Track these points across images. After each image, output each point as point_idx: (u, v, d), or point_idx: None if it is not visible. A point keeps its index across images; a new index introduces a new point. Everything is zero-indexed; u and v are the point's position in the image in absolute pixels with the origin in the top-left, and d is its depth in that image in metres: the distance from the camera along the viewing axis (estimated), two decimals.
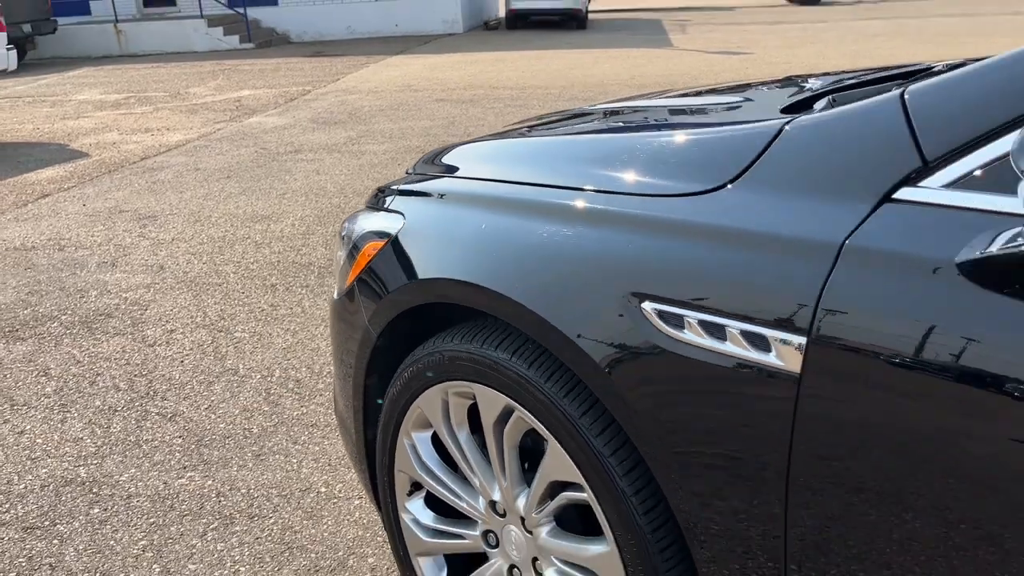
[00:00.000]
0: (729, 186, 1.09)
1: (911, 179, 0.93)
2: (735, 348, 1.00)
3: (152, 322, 3.47)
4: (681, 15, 21.27)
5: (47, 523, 2.18)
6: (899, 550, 0.91)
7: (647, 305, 1.09)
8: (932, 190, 0.91)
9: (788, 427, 0.97)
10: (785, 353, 0.96)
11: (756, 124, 1.13)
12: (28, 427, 2.67)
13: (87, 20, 18.81)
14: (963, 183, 0.89)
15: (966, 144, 0.90)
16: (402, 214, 1.57)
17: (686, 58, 11.88)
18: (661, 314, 1.08)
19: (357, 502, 2.21)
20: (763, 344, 0.98)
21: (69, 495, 2.30)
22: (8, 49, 8.14)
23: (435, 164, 1.75)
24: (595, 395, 1.19)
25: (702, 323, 1.03)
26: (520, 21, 18.86)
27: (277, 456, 2.44)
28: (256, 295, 3.72)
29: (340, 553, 2.02)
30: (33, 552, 2.07)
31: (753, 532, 1.04)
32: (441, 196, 1.54)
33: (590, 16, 21.30)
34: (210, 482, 2.33)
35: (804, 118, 1.08)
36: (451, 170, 1.65)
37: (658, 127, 1.43)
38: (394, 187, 1.71)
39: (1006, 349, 0.80)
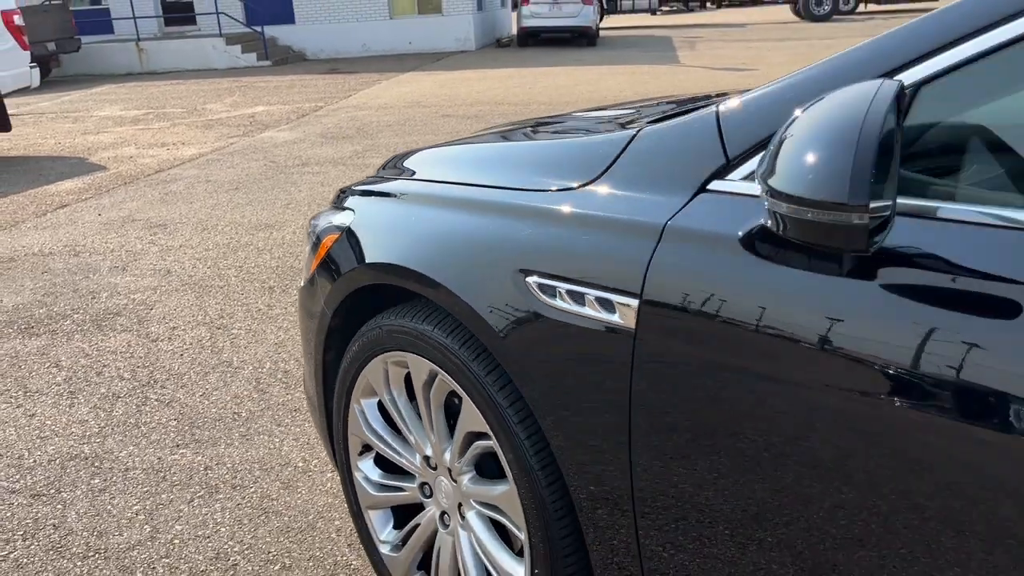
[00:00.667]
0: (594, 182, 1.33)
1: (719, 173, 1.17)
2: (591, 311, 1.24)
3: (156, 320, 3.74)
4: (692, 32, 21.53)
5: (52, 491, 2.44)
6: (721, 488, 1.14)
7: (531, 279, 1.33)
8: (733, 182, 1.15)
9: (628, 375, 1.20)
10: (624, 313, 1.20)
11: (621, 133, 1.37)
12: (39, 411, 2.94)
13: (110, 39, 19.31)
14: (753, 176, 1.13)
15: (755, 146, 1.13)
16: (353, 210, 1.82)
17: (691, 74, 12.12)
18: (540, 286, 1.32)
19: (329, 475, 2.45)
20: (609, 307, 1.22)
21: (73, 468, 2.56)
22: (31, 67, 8.49)
23: (394, 167, 2.00)
24: (495, 358, 1.43)
25: (568, 292, 1.27)
26: (531, 39, 19.19)
27: (262, 436, 2.69)
28: (254, 296, 3.98)
29: (310, 517, 2.26)
30: (39, 515, 2.32)
31: (606, 467, 1.28)
32: (387, 194, 1.79)
33: (601, 33, 21.62)
34: (200, 457, 2.58)
35: (650, 128, 1.33)
36: (403, 171, 1.90)
37: (561, 134, 1.67)
38: (353, 188, 1.97)
39: (768, 304, 1.04)
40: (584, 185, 1.34)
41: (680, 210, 1.18)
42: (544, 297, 1.31)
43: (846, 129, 0.87)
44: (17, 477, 2.52)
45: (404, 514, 1.85)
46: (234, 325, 3.64)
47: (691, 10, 34.43)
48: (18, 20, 8.26)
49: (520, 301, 1.35)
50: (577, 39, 19.02)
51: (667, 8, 35.11)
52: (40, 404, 2.99)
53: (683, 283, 1.13)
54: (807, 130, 0.93)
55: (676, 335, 1.14)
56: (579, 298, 1.26)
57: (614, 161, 1.32)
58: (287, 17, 19.63)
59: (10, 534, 2.24)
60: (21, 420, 2.87)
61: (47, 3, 18.42)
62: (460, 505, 1.65)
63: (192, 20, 20.05)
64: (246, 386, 3.04)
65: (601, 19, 22.38)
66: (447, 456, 1.63)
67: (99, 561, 2.11)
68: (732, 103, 1.21)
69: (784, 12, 27.78)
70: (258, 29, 18.62)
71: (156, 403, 2.95)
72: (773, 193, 0.94)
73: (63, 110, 12.31)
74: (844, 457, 0.98)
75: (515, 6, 21.23)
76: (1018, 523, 0.86)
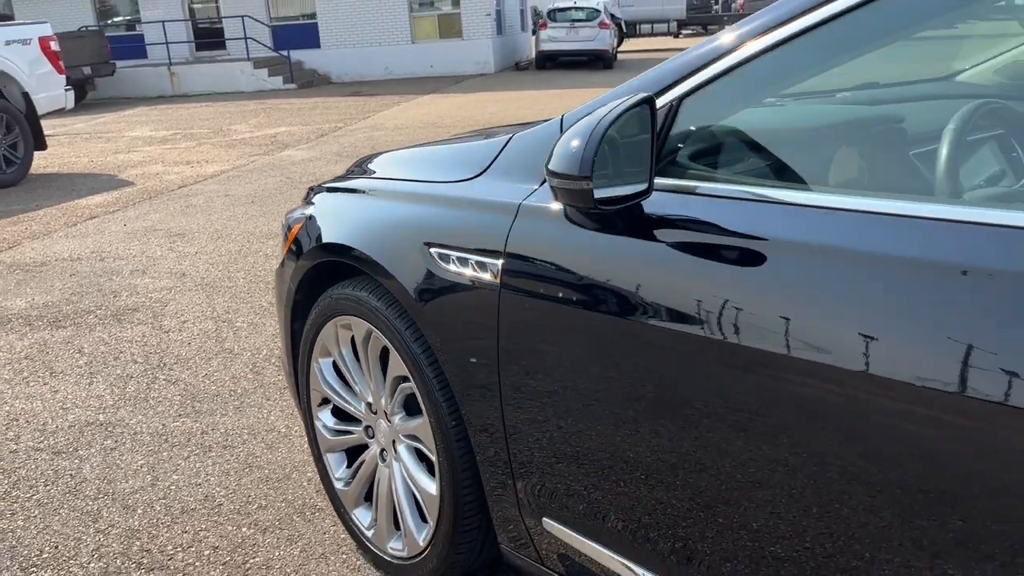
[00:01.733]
0: (480, 175, 1.71)
1: None
2: (471, 272, 1.62)
3: (170, 315, 4.17)
4: None
5: (71, 449, 2.85)
6: (563, 413, 1.50)
7: (432, 250, 1.71)
8: None
9: (496, 323, 1.58)
10: (493, 272, 1.57)
11: (502, 137, 1.76)
12: (62, 388, 3.36)
13: (144, 63, 20.04)
14: None
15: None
16: (315, 203, 2.22)
17: None
18: (439, 255, 1.70)
19: (307, 439, 2.84)
20: (484, 268, 1.59)
21: (89, 432, 2.96)
22: (67, 90, 9.05)
23: (357, 167, 2.39)
24: (411, 315, 1.81)
25: (457, 258, 1.65)
26: (549, 62, 19.68)
27: (252, 408, 3.08)
28: (258, 295, 4.40)
29: (287, 470, 2.65)
30: (59, 468, 2.73)
31: (485, 401, 1.65)
32: (343, 189, 2.18)
33: (619, 57, 22.06)
34: (197, 424, 2.98)
35: (518, 133, 1.71)
36: (363, 171, 2.29)
37: (478, 139, 2.06)
38: (320, 185, 2.36)
39: (577, 256, 1.41)
40: (473, 177, 1.73)
41: (532, 193, 1.56)
42: (441, 263, 1.69)
43: (590, 127, 1.26)
44: (41, 439, 2.93)
45: (353, 455, 2.23)
46: (238, 319, 4.05)
47: (711, 33, 34.80)
48: (54, 46, 8.83)
49: (425, 268, 1.73)
50: (594, 62, 19.48)
51: (689, 31, 35.52)
52: (63, 382, 3.41)
53: (530, 247, 1.51)
54: (575, 128, 1.31)
55: (525, 288, 1.51)
56: (464, 262, 1.64)
57: (495, 159, 1.71)
58: (313, 42, 20.29)
59: (33, 482, 2.65)
60: (47, 395, 3.29)
61: (84, 29, 19.22)
62: (394, 442, 2.03)
63: (222, 45, 20.77)
64: (243, 369, 3.44)
65: (620, 43, 22.81)
66: (383, 401, 2.01)
67: (107, 501, 2.51)
68: (574, 111, 1.59)
69: None
70: (284, 53, 19.27)
71: (164, 382, 3.36)
72: (549, 172, 1.32)
73: (97, 131, 12.92)
74: (636, 377, 1.35)
75: (534, 30, 21.76)
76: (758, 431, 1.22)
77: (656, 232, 1.33)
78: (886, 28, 1.27)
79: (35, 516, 2.45)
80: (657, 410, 1.30)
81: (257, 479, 2.60)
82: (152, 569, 2.18)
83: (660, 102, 1.37)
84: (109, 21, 22.21)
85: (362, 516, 2.18)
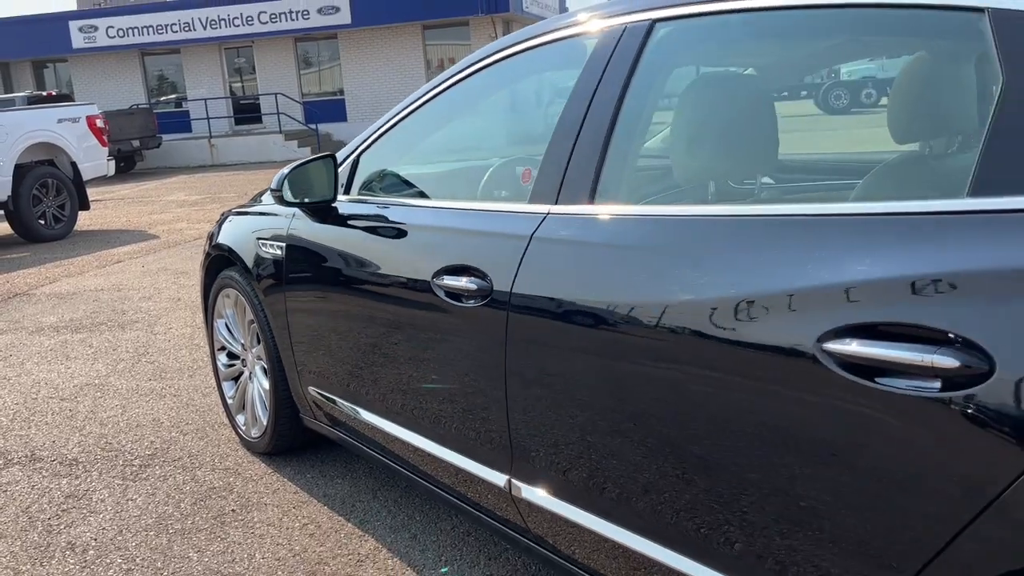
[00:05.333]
0: (337, 197, 3.00)
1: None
2: (272, 251, 2.91)
3: (161, 325, 5.52)
4: None
5: (72, 397, 4.17)
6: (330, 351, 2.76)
7: (258, 240, 3.01)
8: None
9: (282, 285, 2.86)
10: (281, 251, 2.87)
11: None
12: (73, 366, 4.70)
13: (187, 136, 22.02)
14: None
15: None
16: (221, 222, 3.54)
17: None
18: (259, 242, 2.99)
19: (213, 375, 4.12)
20: (278, 249, 2.88)
21: (87, 389, 4.29)
22: (109, 160, 10.68)
23: (256, 198, 3.71)
24: (254, 283, 3.09)
25: (267, 244, 2.95)
26: None
27: (200, 376, 4.38)
28: None
29: (209, 406, 3.93)
30: (63, 407, 4.04)
31: (280, 332, 2.92)
32: (239, 212, 3.49)
33: None
34: (160, 385, 4.29)
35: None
36: (255, 200, 3.60)
37: None
38: (231, 209, 3.68)
39: (317, 237, 2.69)
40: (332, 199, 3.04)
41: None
42: (260, 249, 2.99)
43: (291, 167, 2.56)
44: (54, 392, 4.27)
45: (235, 381, 3.51)
46: None
47: None
48: (99, 123, 10.49)
49: (255, 252, 3.02)
50: None
51: None
52: (75, 363, 4.76)
53: (299, 234, 2.79)
54: (286, 168, 2.61)
55: (296, 260, 2.80)
56: (271, 246, 2.93)
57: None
58: (340, 116, 22.12)
59: (47, 415, 3.97)
60: (62, 370, 4.64)
61: (135, 107, 21.27)
62: (255, 367, 3.31)
63: (259, 120, 22.74)
64: (202, 355, 4.76)
65: None
66: (247, 341, 3.30)
67: (92, 423, 3.81)
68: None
69: (808, 106, 29.29)
70: (313, 127, 21.09)
71: (145, 363, 4.69)
72: (270, 188, 2.62)
73: (138, 196, 14.62)
74: (340, 290, 2.62)
75: None
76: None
77: (345, 221, 2.61)
78: (458, 110, 2.56)
79: (43, 427, 3.77)
80: (365, 318, 2.56)
81: (190, 410, 3.89)
82: (110, 451, 3.47)
83: (344, 153, 2.68)
84: (160, 99, 24.40)
85: (240, 419, 3.45)
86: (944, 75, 1.64)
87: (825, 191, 2.42)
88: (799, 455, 1.33)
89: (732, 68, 2.21)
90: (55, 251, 8.98)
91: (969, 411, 1.12)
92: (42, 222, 9.74)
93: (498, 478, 2.02)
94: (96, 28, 23.48)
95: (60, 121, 10.03)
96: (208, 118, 21.22)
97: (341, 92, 22.38)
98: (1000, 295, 1.12)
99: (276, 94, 21.52)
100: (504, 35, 2.19)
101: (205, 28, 22.66)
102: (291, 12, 21.82)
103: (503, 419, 1.95)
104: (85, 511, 2.96)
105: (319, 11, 21.78)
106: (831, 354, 1.27)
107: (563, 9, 27.42)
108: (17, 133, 9.47)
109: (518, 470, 1.96)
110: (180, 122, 22.82)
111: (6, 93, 22.95)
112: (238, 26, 22.45)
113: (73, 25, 23.66)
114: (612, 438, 1.67)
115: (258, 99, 23.02)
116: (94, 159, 10.39)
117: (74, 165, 10.13)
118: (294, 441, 3.23)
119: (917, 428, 1.17)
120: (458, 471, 2.17)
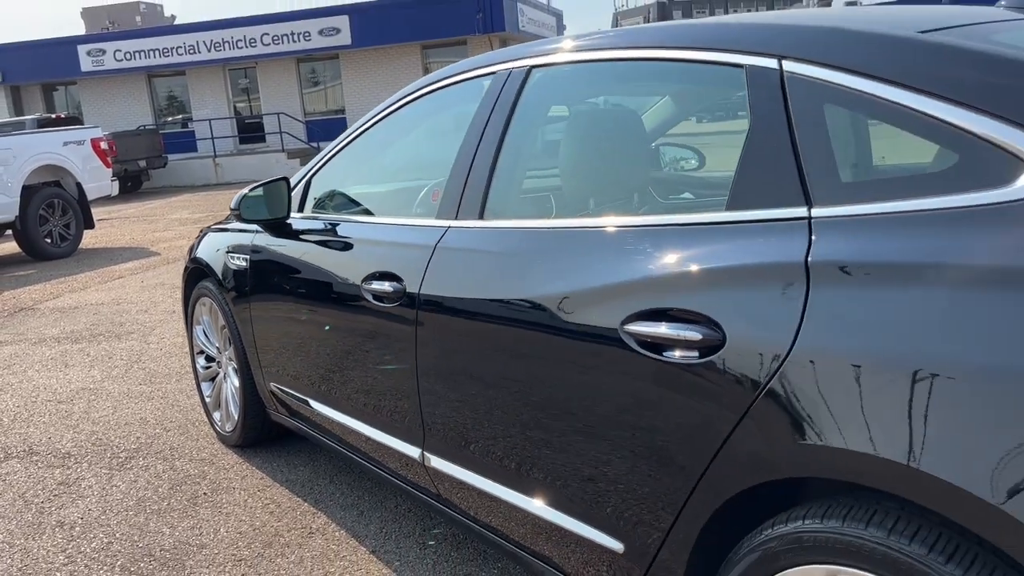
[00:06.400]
0: (290, 215, 3.36)
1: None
2: (238, 263, 3.29)
3: (155, 335, 5.91)
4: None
5: (68, 400, 4.55)
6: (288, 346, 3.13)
7: (227, 253, 3.39)
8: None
9: (247, 286, 3.24)
10: (246, 260, 3.24)
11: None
12: (72, 373, 5.09)
13: (193, 156, 22.52)
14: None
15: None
16: (201, 235, 3.92)
17: None
18: (228, 253, 3.37)
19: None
20: (244, 260, 3.26)
21: (82, 392, 4.67)
22: (112, 180, 11.12)
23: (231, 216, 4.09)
24: (227, 294, 3.47)
25: (233, 256, 3.32)
26: None
27: (187, 380, 4.76)
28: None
29: (192, 406, 4.30)
30: (60, 408, 4.42)
31: (247, 332, 3.30)
32: (216, 228, 3.87)
33: None
34: (150, 388, 4.67)
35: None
36: (229, 218, 3.98)
37: None
38: (210, 226, 4.07)
39: (271, 247, 3.07)
40: (286, 217, 3.41)
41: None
42: (229, 261, 3.36)
43: (249, 189, 2.93)
44: (52, 396, 4.65)
45: (212, 381, 3.88)
46: None
47: None
48: (103, 145, 10.94)
49: (225, 264, 3.40)
50: None
51: None
52: (73, 370, 5.15)
53: (261, 247, 3.17)
54: (245, 189, 2.98)
55: (258, 271, 3.17)
56: (238, 259, 3.31)
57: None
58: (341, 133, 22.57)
59: (45, 415, 4.34)
60: (60, 377, 5.03)
61: (142, 128, 21.79)
62: (228, 367, 3.68)
63: (262, 139, 23.24)
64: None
65: None
66: (221, 344, 3.68)
67: (85, 422, 4.19)
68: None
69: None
70: (315, 144, 21.55)
71: (137, 369, 5.07)
72: (231, 207, 3.00)
73: (143, 215, 15.07)
74: (295, 297, 2.99)
75: None
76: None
77: (298, 235, 2.99)
78: (391, 138, 2.93)
79: (41, 426, 4.14)
80: (312, 320, 2.93)
81: (175, 410, 4.27)
82: (100, 446, 3.84)
83: (297, 177, 3.06)
84: (167, 119, 24.95)
85: (216, 415, 3.82)
86: (719, 116, 2.01)
87: (634, 207, 2.73)
88: (615, 408, 1.68)
89: (591, 102, 2.58)
90: (60, 268, 9.40)
91: (714, 372, 1.48)
92: (48, 241, 10.17)
93: (414, 451, 2.38)
94: (104, 52, 24.07)
95: (66, 144, 10.48)
96: (213, 138, 21.73)
97: (342, 111, 22.86)
98: (731, 285, 1.48)
99: (279, 114, 22.01)
100: None
101: (210, 50, 23.21)
102: (293, 34, 22.35)
103: (416, 401, 2.31)
104: (74, 496, 3.33)
105: (320, 32, 22.30)
106: (630, 334, 1.63)
107: (561, 27, 27.93)
108: (25, 156, 9.91)
109: (429, 444, 2.32)
110: (186, 142, 23.34)
111: (17, 115, 23.54)
112: (242, 48, 22.99)
113: (81, 49, 24.27)
114: (492, 410, 2.03)
115: (261, 118, 23.53)
116: (98, 180, 10.83)
117: (79, 186, 10.56)
118: (262, 434, 3.60)
119: (686, 386, 1.53)
120: (383, 447, 2.53)
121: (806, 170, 1.48)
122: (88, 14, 44.91)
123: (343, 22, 22.24)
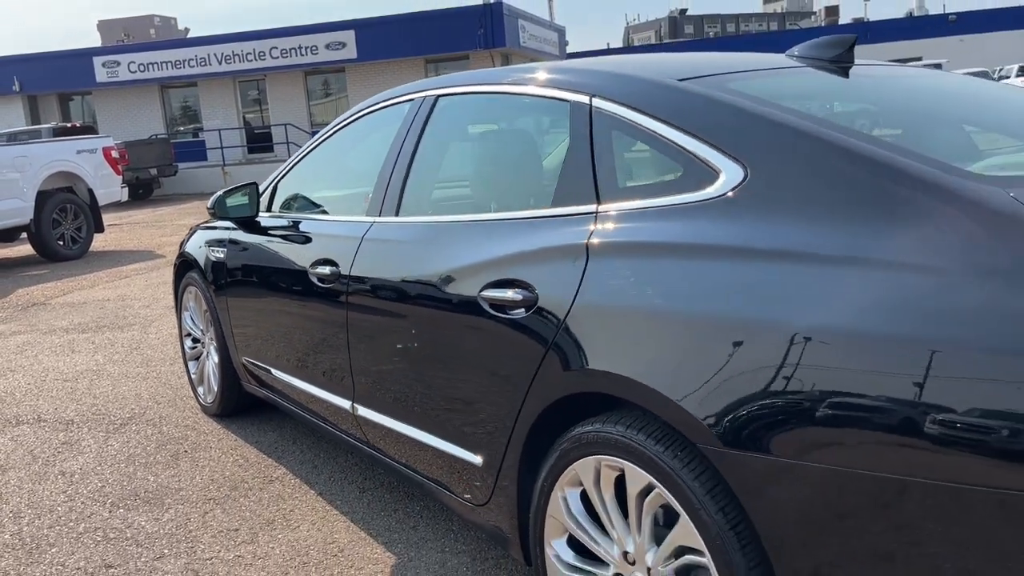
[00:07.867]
0: (259, 213, 3.93)
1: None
2: (219, 255, 3.86)
3: (154, 327, 6.50)
4: None
5: (74, 379, 5.13)
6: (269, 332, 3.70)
7: (207, 245, 3.96)
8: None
9: (227, 274, 3.81)
10: (224, 249, 3.82)
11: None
12: (78, 358, 5.68)
13: (203, 164, 23.20)
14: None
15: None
16: (190, 233, 4.50)
17: None
18: (211, 250, 3.94)
19: (180, 365, 5.07)
20: (222, 249, 3.83)
21: (86, 373, 5.25)
22: (122, 187, 11.75)
23: None
24: (208, 282, 4.03)
25: (216, 247, 3.89)
26: None
27: (181, 364, 5.33)
28: None
29: (182, 384, 4.87)
30: (67, 387, 5.00)
31: (224, 312, 3.86)
32: (204, 227, 4.44)
33: None
34: (146, 370, 5.24)
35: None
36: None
37: None
38: (199, 224, 4.64)
39: (242, 241, 3.64)
40: (255, 216, 3.98)
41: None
42: (211, 254, 3.94)
43: (220, 192, 3.51)
44: (59, 375, 5.24)
45: (197, 360, 4.45)
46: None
47: None
48: (114, 153, 11.58)
49: (207, 256, 3.97)
50: None
51: None
52: (79, 355, 5.74)
53: (235, 241, 3.74)
54: (219, 192, 3.56)
55: (232, 261, 3.74)
56: (217, 251, 3.88)
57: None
58: None
59: (52, 391, 4.93)
60: (68, 361, 5.62)
61: (153, 137, 22.50)
62: (210, 347, 4.25)
63: (270, 148, 23.93)
64: None
65: None
66: (204, 327, 4.25)
67: (88, 397, 4.77)
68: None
69: None
70: None
71: (136, 355, 5.66)
72: (207, 207, 3.57)
73: (153, 220, 15.71)
74: (264, 284, 3.55)
75: None
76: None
77: (265, 231, 3.55)
78: (342, 151, 3.50)
79: (49, 399, 4.73)
80: (273, 300, 3.50)
81: (167, 387, 4.84)
82: (99, 415, 4.41)
83: (267, 182, 3.64)
84: (179, 129, 25.69)
85: (200, 390, 4.39)
86: (550, 138, 2.58)
87: (495, 205, 3.21)
88: (477, 354, 2.23)
89: (475, 125, 3.13)
90: (71, 268, 10.02)
91: (533, 320, 2.03)
92: (61, 243, 10.80)
93: (346, 403, 2.94)
94: (119, 63, 24.86)
95: (79, 152, 11.12)
96: (222, 147, 22.42)
97: None
98: (544, 260, 2.04)
99: (286, 124, 22.69)
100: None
101: (220, 63, 23.95)
102: (301, 48, 23.05)
103: (347, 361, 2.87)
104: (75, 452, 3.90)
105: (327, 46, 23.00)
106: (485, 299, 2.19)
107: (563, 43, 28.56)
108: (40, 163, 10.55)
109: (357, 396, 2.88)
110: (196, 151, 24.05)
111: (34, 124, 24.32)
112: (251, 61, 23.71)
113: (97, 60, 25.06)
114: (400, 364, 2.58)
115: (270, 129, 24.22)
116: (109, 186, 11.47)
117: (91, 192, 11.19)
118: (238, 404, 4.16)
119: (519, 332, 2.08)
120: (324, 402, 3.09)
121: (598, 177, 2.04)
122: (104, 26, 45.95)
123: (349, 37, 22.94)
